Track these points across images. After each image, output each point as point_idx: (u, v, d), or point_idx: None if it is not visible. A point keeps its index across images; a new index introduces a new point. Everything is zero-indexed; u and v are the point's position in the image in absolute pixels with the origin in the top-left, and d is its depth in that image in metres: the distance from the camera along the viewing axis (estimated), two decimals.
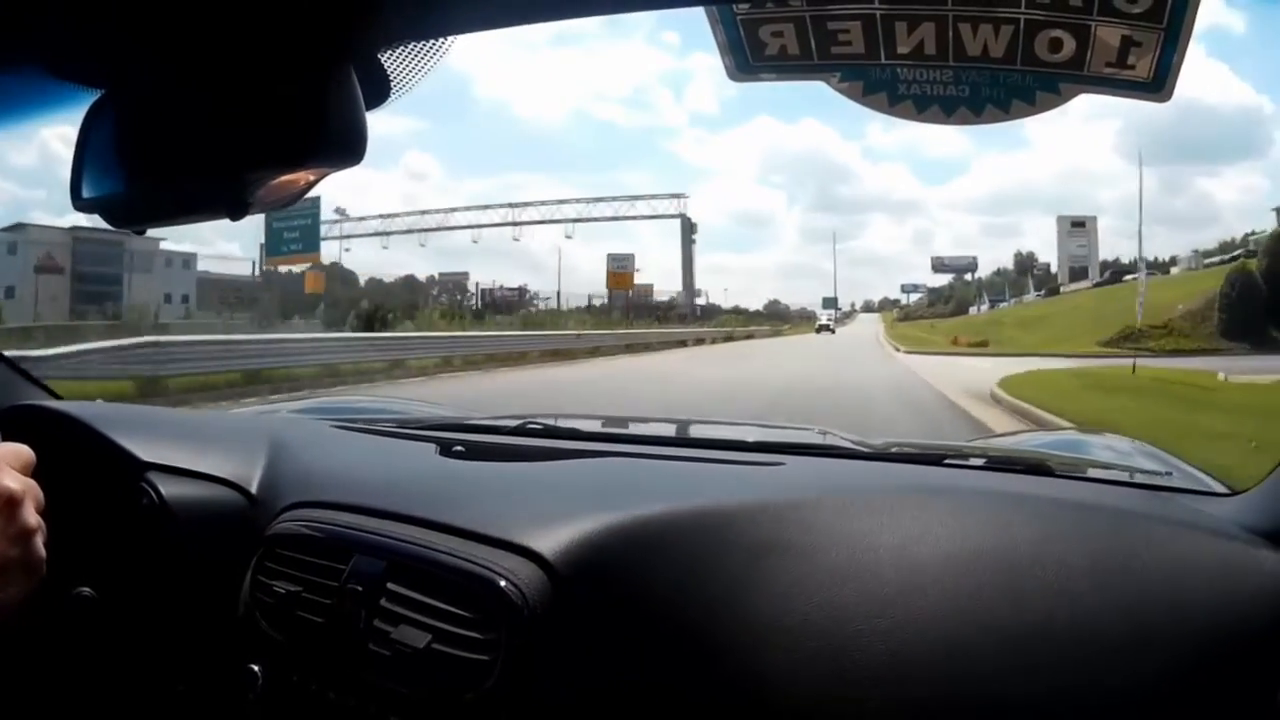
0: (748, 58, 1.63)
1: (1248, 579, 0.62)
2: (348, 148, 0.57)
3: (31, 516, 0.62)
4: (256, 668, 0.83)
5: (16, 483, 0.62)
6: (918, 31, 1.57)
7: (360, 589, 0.79)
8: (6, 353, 1.14)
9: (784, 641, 0.65)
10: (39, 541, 0.63)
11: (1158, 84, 1.66)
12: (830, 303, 56.71)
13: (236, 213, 0.61)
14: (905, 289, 58.91)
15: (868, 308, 63.52)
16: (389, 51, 0.60)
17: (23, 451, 0.66)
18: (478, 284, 39.14)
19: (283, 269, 25.94)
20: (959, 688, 0.60)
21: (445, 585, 0.75)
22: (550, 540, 0.74)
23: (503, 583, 0.72)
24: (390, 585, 0.77)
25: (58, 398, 1.18)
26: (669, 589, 0.71)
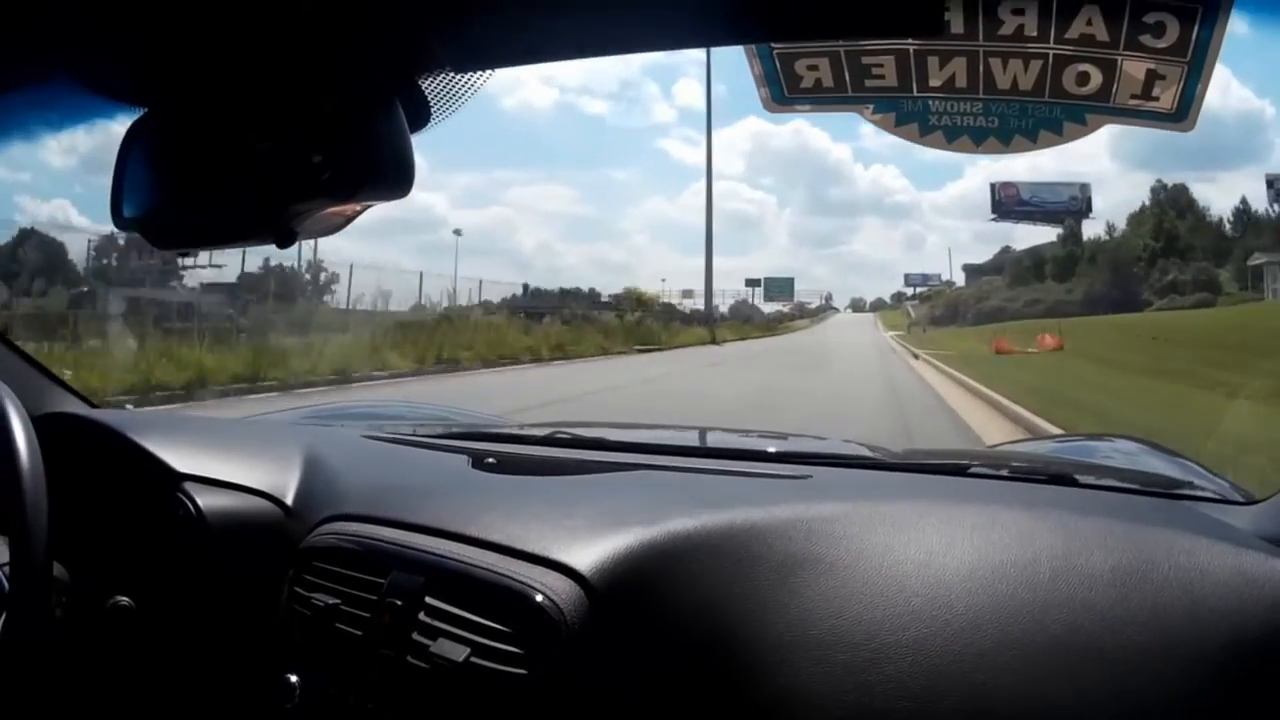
0: (783, 90, 1.64)
1: (1268, 588, 0.60)
2: (398, 179, 0.55)
3: None
4: (294, 679, 0.82)
5: None
6: (949, 65, 1.57)
7: (399, 603, 0.77)
8: None
9: (815, 655, 0.63)
10: None
11: (1181, 114, 1.65)
12: (779, 287, 34.14)
13: (284, 241, 0.59)
14: (912, 280, 38.16)
15: (856, 306, 45.47)
16: (432, 78, 0.59)
17: None
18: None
19: None
20: (986, 700, 0.59)
21: (483, 600, 0.73)
22: (586, 555, 0.73)
23: (539, 598, 0.70)
24: (429, 599, 0.76)
25: (91, 405, 1.17)
26: (702, 603, 0.69)
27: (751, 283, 32.37)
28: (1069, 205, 28.22)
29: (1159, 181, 27.81)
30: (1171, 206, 26.55)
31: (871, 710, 0.61)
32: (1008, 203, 28.86)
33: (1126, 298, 22.18)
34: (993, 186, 28.40)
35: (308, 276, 17.97)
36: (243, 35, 0.56)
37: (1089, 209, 28.30)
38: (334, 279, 17.66)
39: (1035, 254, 28.99)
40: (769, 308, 32.45)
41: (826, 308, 42.16)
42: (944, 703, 0.60)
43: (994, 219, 29.20)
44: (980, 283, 30.16)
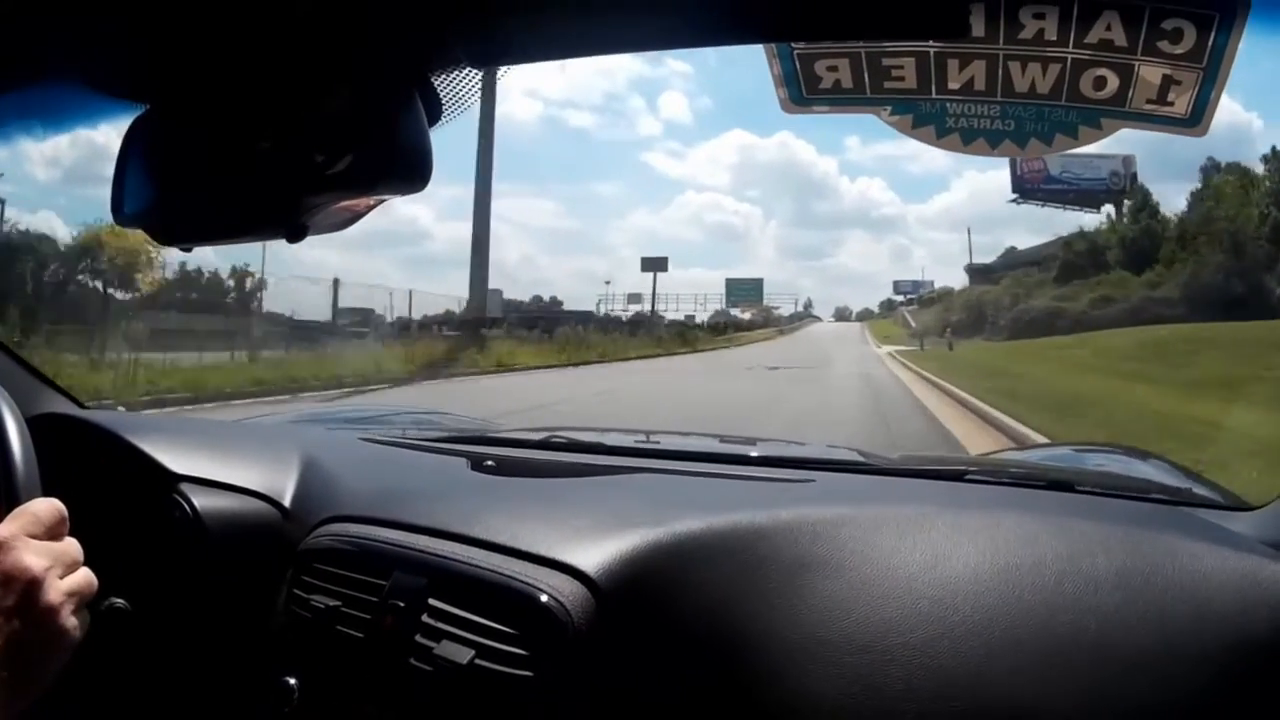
0: (802, 90, 1.63)
1: (1271, 592, 0.61)
2: (416, 172, 0.53)
3: (55, 593, 0.54)
4: (293, 681, 0.81)
5: (40, 558, 0.55)
6: (969, 69, 1.57)
7: (402, 604, 0.77)
8: None
9: (822, 657, 0.63)
10: (66, 617, 0.55)
11: (1195, 119, 1.65)
12: (744, 290, 29.70)
13: (295, 235, 0.57)
14: (902, 288, 34.17)
15: (841, 315, 41.74)
16: (448, 74, 0.58)
17: (48, 516, 0.58)
18: None
19: None
20: (993, 701, 0.59)
21: (488, 601, 0.73)
22: (591, 556, 0.73)
23: (545, 598, 0.70)
24: (432, 601, 0.75)
25: (82, 406, 1.16)
26: (708, 605, 0.69)
27: (649, 263, 27.39)
28: (1109, 183, 21.33)
29: (1210, 160, 20.65)
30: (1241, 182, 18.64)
31: (880, 712, 0.60)
32: (1032, 181, 22.01)
33: (1249, 292, 13.33)
34: (1013, 162, 21.66)
35: (231, 284, 17.00)
36: (251, 31, 0.55)
37: (1133, 186, 21.10)
38: (261, 285, 16.64)
39: (1088, 236, 21.28)
40: (739, 313, 28.64)
41: (804, 315, 36.75)
42: (952, 705, 0.59)
43: (1015, 200, 22.78)
44: (1013, 277, 22.22)
